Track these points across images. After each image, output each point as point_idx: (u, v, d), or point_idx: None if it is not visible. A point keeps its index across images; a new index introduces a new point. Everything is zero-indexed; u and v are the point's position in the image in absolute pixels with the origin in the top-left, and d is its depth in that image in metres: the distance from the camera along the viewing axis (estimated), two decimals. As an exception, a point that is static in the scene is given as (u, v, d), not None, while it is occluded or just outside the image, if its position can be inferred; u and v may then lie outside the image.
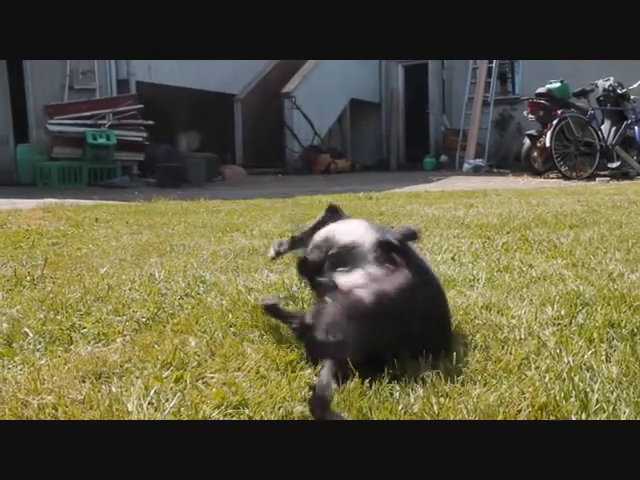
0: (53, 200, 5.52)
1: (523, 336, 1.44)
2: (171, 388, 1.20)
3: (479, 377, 1.22)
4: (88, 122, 8.64)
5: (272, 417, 1.09)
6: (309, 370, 1.27)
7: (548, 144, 8.14)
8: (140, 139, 9.02)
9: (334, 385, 1.11)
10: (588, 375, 1.19)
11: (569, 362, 1.26)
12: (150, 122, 9.09)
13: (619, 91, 8.78)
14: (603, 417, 1.05)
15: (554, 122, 8.18)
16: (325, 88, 12.12)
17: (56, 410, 1.13)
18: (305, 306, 1.70)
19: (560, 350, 1.33)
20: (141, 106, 9.07)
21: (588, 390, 1.12)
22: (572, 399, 1.10)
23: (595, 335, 1.42)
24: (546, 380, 1.18)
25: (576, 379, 1.17)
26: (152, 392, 1.17)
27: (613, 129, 8.81)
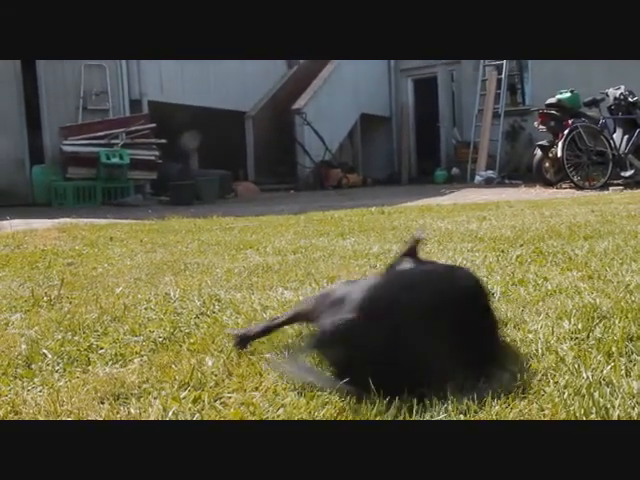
0: (68, 220, 5.59)
1: (540, 351, 1.43)
2: (189, 409, 1.21)
3: (497, 393, 1.21)
4: (102, 142, 8.76)
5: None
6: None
7: (560, 154, 8.12)
8: (153, 158, 9.12)
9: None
10: (608, 390, 1.18)
11: (588, 377, 1.25)
12: (163, 141, 9.20)
13: (630, 99, 8.74)
14: (624, 433, 1.03)
15: (565, 132, 8.16)
16: (335, 103, 12.20)
17: (76, 432, 1.14)
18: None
19: (578, 365, 1.32)
20: (153, 125, 9.18)
21: (609, 406, 1.11)
22: (592, 415, 1.09)
23: (614, 349, 1.41)
24: (565, 396, 1.17)
25: (596, 395, 1.16)
26: (170, 413, 1.18)
27: (625, 137, 8.76)
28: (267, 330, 1.52)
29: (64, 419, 1.19)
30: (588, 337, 1.51)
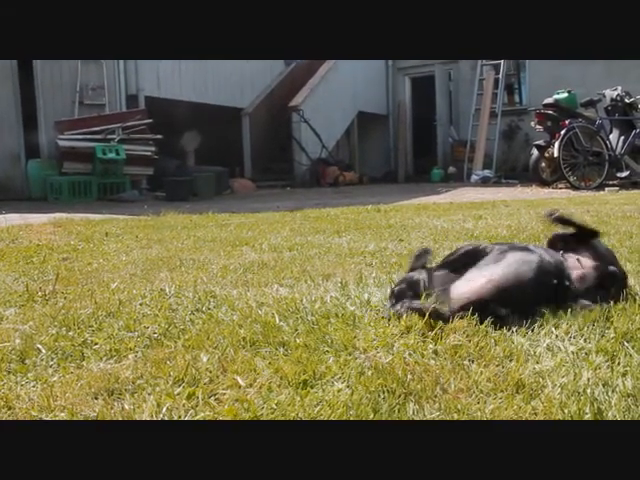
0: (63, 215, 5.57)
1: (538, 351, 1.43)
2: (183, 405, 1.20)
3: (493, 393, 1.21)
4: (98, 137, 8.71)
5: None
6: (321, 387, 1.27)
7: (556, 154, 8.13)
8: (149, 153, 9.08)
9: None
10: (604, 390, 1.18)
11: (585, 377, 1.25)
12: (159, 136, 9.16)
13: (627, 100, 8.76)
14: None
15: (562, 132, 8.17)
16: (332, 101, 12.18)
17: (69, 428, 1.13)
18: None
19: (576, 365, 1.32)
20: (150, 121, 9.14)
21: (603, 407, 1.11)
22: (587, 415, 1.09)
23: (610, 349, 1.41)
24: (561, 395, 1.17)
25: (590, 393, 1.16)
26: (164, 409, 1.17)
27: (622, 138, 8.78)
28: None
29: (57, 414, 1.19)
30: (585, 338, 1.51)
